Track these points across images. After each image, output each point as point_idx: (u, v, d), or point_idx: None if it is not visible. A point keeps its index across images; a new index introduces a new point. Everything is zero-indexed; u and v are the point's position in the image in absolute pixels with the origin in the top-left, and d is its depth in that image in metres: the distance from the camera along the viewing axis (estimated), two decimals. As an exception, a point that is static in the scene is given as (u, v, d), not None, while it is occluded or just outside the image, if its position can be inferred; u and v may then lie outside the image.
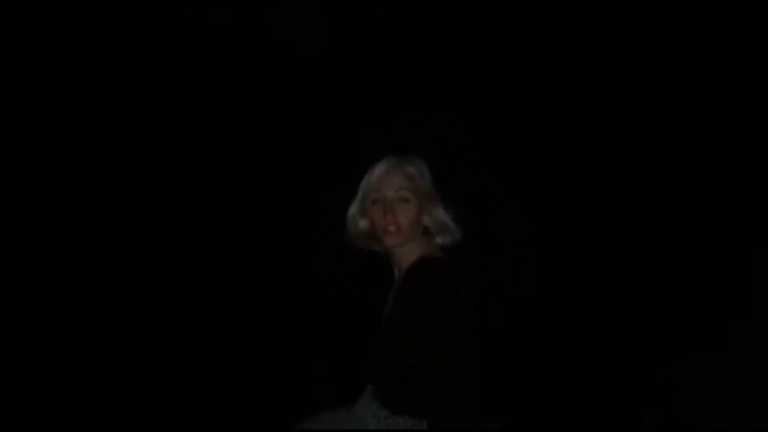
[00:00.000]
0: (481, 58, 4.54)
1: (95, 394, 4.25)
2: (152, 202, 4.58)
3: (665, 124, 4.49)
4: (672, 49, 4.43)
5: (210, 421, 4.11)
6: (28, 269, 4.43)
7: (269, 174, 4.60)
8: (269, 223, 4.57)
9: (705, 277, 4.31)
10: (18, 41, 4.46)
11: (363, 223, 2.36)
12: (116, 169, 4.63)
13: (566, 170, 4.52)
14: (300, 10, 4.28)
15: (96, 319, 4.45)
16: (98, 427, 4.06)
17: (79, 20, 4.46)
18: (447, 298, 2.10)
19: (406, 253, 2.29)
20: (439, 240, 2.33)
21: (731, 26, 4.29)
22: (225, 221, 4.61)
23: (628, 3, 4.42)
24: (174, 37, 4.57)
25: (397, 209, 2.27)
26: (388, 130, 4.16)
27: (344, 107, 4.37)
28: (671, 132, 4.48)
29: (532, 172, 4.47)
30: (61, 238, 4.50)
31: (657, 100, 4.46)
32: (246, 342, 4.48)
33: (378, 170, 2.31)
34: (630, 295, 4.39)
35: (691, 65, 4.42)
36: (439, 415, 2.03)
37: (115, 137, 4.61)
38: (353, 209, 2.37)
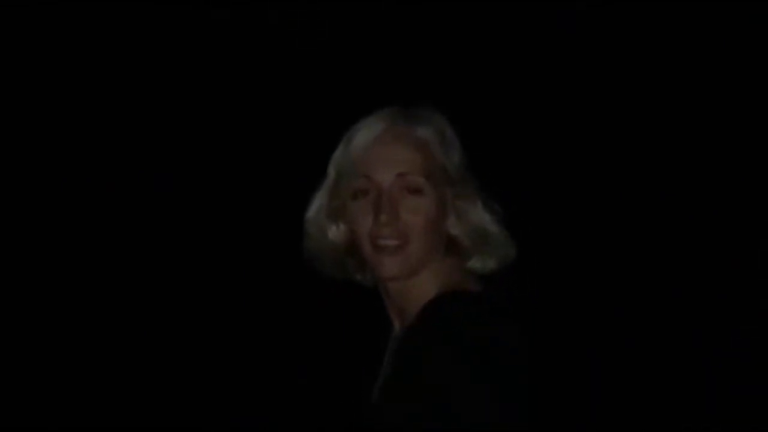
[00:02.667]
0: (481, 58, 4.53)
1: (94, 394, 4.25)
2: (151, 202, 4.57)
3: (667, 124, 4.48)
4: (672, 49, 4.43)
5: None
6: (24, 269, 4.43)
7: (269, 175, 4.59)
8: (268, 226, 4.55)
9: (711, 277, 4.31)
10: (18, 41, 4.45)
11: (335, 231, 1.34)
12: (116, 169, 4.62)
13: (568, 171, 4.51)
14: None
15: (91, 320, 4.45)
16: (98, 427, 4.07)
17: (78, 20, 4.45)
18: (490, 374, 1.12)
19: (417, 288, 1.27)
20: (476, 263, 1.31)
21: (731, 26, 4.29)
22: (223, 222, 4.60)
23: (628, 3, 4.41)
24: (174, 36, 4.57)
25: (400, 206, 1.25)
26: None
27: (344, 107, 4.35)
28: (673, 132, 4.47)
29: (534, 173, 4.45)
30: (51, 237, 4.49)
31: (658, 101, 4.46)
32: (239, 349, 4.44)
33: (364, 136, 1.30)
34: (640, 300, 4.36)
35: (692, 65, 4.42)
36: None
37: (114, 137, 4.60)
38: (318, 204, 1.36)
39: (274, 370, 4.26)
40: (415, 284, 1.28)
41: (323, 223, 1.34)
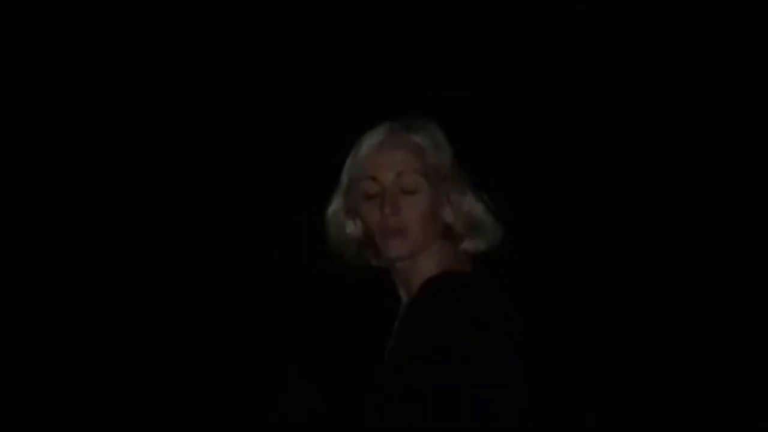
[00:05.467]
0: (480, 58, 4.53)
1: (94, 394, 4.25)
2: (150, 202, 4.57)
3: (668, 125, 4.48)
4: (672, 49, 4.43)
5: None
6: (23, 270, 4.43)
7: (269, 176, 4.59)
8: (266, 226, 4.56)
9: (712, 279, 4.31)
10: (14, 41, 4.45)
11: (352, 227, 1.62)
12: (117, 169, 4.62)
13: (569, 172, 4.51)
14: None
15: (92, 320, 4.45)
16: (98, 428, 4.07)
17: (72, 19, 4.45)
18: (469, 346, 1.38)
19: (419, 268, 1.54)
20: (468, 245, 1.57)
21: (731, 27, 4.28)
22: (221, 223, 4.60)
23: (628, 3, 4.41)
24: (171, 36, 4.56)
25: (401, 203, 1.53)
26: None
27: (343, 108, 4.36)
28: (675, 133, 4.47)
29: (533, 174, 4.45)
30: (51, 238, 4.49)
31: (659, 102, 4.46)
32: (241, 348, 4.46)
33: (367, 145, 1.57)
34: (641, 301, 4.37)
35: (692, 66, 4.42)
36: None
37: (113, 138, 4.60)
38: (335, 206, 1.63)
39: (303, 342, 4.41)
40: (418, 264, 1.55)
41: (342, 221, 1.62)
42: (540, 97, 4.51)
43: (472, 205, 1.57)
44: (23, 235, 4.48)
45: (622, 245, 4.46)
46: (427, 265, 1.54)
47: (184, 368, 4.39)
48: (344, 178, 1.60)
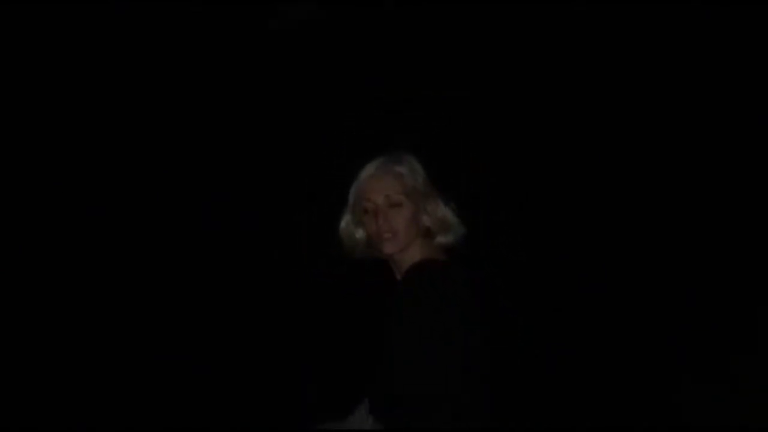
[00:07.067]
0: (480, 57, 4.54)
1: (94, 394, 4.26)
2: (151, 203, 4.58)
3: (667, 125, 4.49)
4: (671, 49, 4.44)
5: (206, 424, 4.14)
6: (26, 270, 4.44)
7: (269, 175, 4.60)
8: (266, 226, 4.57)
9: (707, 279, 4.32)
10: (14, 41, 4.46)
11: (360, 233, 2.24)
12: (118, 170, 4.63)
13: (567, 171, 4.52)
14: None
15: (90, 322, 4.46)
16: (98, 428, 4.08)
17: (72, 19, 4.46)
18: (438, 307, 1.97)
19: (408, 258, 2.16)
20: (441, 239, 2.19)
21: (731, 27, 4.29)
22: (219, 223, 4.61)
23: (628, 3, 4.42)
24: (167, 34, 4.57)
25: (389, 215, 2.15)
26: (386, 130, 4.15)
27: (342, 107, 4.37)
28: (673, 133, 4.48)
29: (530, 173, 4.46)
30: (55, 239, 4.50)
31: (658, 102, 4.47)
32: (243, 347, 4.48)
33: (363, 176, 2.19)
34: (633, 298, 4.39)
35: (692, 65, 4.43)
36: None
37: (114, 138, 4.61)
38: (345, 220, 2.26)
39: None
40: (407, 256, 2.16)
41: (352, 230, 2.24)
42: (537, 98, 4.52)
43: (443, 212, 2.20)
44: (23, 235, 4.49)
45: (617, 246, 4.47)
46: (413, 256, 2.15)
47: (184, 368, 4.40)
48: (350, 199, 2.21)
